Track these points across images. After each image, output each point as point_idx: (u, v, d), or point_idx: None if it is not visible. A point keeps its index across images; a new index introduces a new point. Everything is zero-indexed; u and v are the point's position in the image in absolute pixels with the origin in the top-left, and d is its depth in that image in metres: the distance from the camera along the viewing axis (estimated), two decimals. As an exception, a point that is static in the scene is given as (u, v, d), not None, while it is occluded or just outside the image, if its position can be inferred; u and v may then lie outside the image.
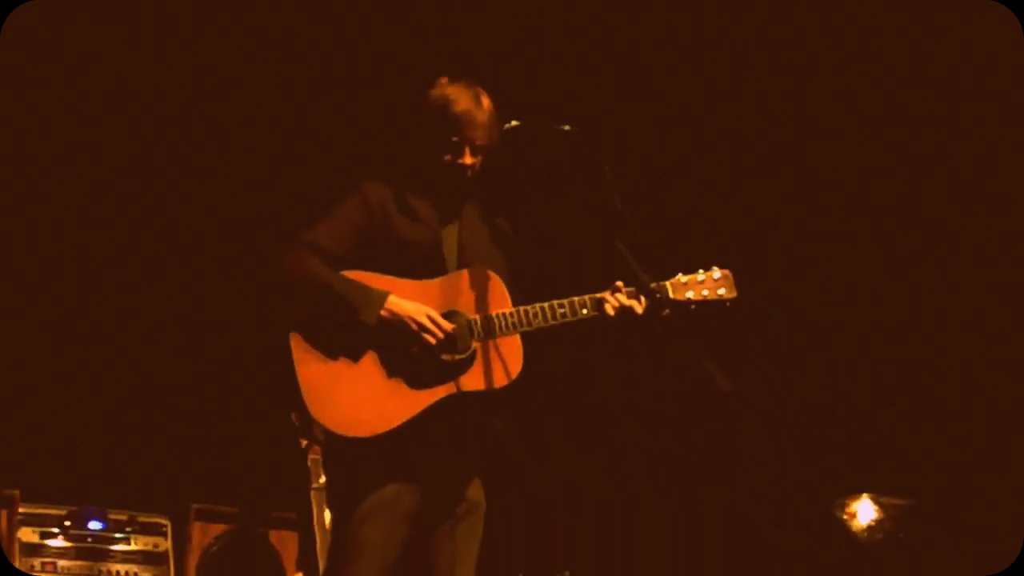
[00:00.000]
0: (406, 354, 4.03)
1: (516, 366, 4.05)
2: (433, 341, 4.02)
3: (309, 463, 5.40)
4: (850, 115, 6.46)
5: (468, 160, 4.16)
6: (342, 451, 4.13)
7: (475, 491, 4.21)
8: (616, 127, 5.83)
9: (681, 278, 4.21)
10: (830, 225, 6.53)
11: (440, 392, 4.02)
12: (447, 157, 4.16)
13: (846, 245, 6.53)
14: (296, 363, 4.03)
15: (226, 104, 6.20)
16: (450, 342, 4.04)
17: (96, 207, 6.20)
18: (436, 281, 4.13)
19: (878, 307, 6.48)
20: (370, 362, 4.04)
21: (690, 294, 4.19)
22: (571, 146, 4.07)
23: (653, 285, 4.14)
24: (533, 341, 4.12)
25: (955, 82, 6.26)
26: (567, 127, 4.06)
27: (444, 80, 4.22)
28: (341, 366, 4.03)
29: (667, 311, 4.10)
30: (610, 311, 4.10)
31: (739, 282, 4.24)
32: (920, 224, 6.44)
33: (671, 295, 4.16)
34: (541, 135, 4.09)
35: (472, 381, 4.04)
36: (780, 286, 6.38)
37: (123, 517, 5.90)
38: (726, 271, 4.24)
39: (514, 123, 4.08)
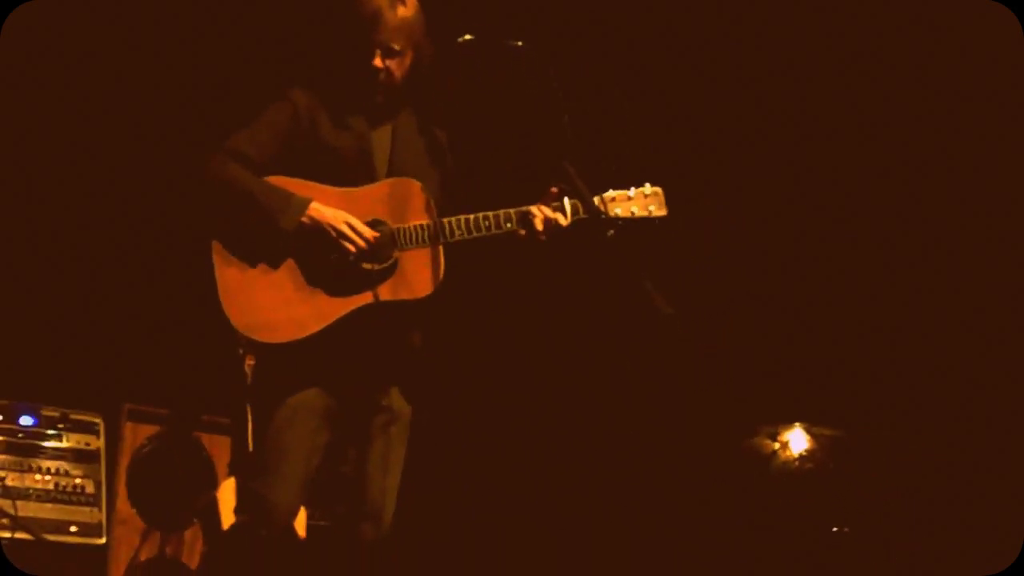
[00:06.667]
0: (326, 261, 3.99)
1: (436, 278, 4.01)
2: (352, 249, 3.97)
3: (246, 368, 5.36)
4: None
5: (377, 63, 4.09)
6: (265, 357, 4.13)
7: (398, 400, 4.18)
8: (568, 46, 5.80)
9: (610, 193, 4.14)
10: (772, 153, 6.51)
11: (357, 301, 3.98)
12: (361, 60, 4.10)
13: (790, 171, 6.50)
14: (216, 269, 3.99)
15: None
16: (372, 251, 3.99)
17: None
18: (361, 189, 4.08)
19: (815, 233, 6.47)
20: (288, 269, 4.00)
21: (618, 210, 4.11)
22: (522, 63, 4.01)
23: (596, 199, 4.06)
24: (459, 255, 4.08)
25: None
26: (519, 43, 3.98)
27: None
28: (259, 272, 3.99)
29: (611, 232, 3.90)
30: (537, 225, 4.03)
31: (673, 201, 4.16)
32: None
33: (601, 210, 4.05)
34: (493, 50, 4.01)
35: (390, 291, 4.00)
36: (724, 213, 6.37)
37: (55, 414, 5.86)
38: (657, 188, 4.16)
39: (467, 37, 4.00)
